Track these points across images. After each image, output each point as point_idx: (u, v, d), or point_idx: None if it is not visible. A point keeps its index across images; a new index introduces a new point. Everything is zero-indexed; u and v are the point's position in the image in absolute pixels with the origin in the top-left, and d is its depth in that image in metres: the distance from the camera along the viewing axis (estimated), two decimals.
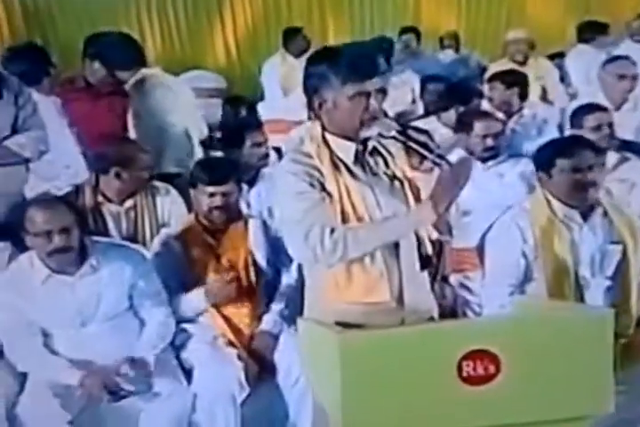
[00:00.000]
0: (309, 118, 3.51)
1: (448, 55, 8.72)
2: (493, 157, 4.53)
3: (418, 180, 2.62)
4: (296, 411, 3.14)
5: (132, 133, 4.43)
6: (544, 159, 3.41)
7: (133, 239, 3.79)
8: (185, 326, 3.46)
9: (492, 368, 2.21)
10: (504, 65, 6.82)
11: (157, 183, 4.01)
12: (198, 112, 4.79)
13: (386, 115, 2.65)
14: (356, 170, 2.59)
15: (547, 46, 8.04)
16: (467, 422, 2.25)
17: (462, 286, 3.91)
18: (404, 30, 8.43)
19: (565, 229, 3.33)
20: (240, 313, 3.42)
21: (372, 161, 2.63)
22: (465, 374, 2.21)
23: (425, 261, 2.63)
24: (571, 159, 3.31)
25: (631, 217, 3.44)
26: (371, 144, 2.61)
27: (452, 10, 9.71)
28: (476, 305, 3.83)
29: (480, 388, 2.22)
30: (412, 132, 2.52)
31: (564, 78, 7.26)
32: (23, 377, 3.27)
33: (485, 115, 4.68)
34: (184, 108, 4.61)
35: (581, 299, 3.30)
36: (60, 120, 4.37)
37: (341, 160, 2.59)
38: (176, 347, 3.41)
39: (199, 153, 4.55)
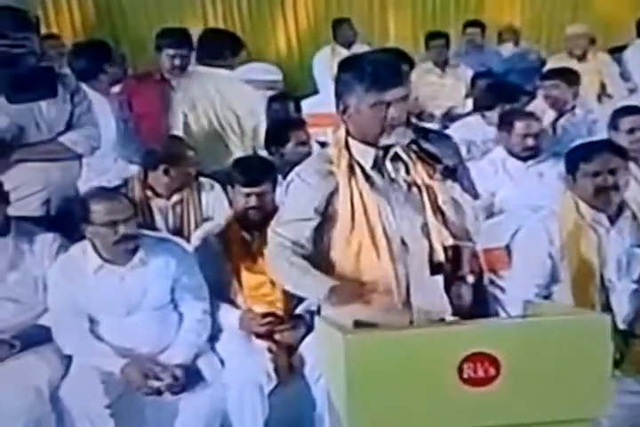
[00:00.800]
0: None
1: (508, 49, 8.68)
2: (534, 156, 4.56)
3: (435, 188, 2.72)
4: (322, 403, 3.26)
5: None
6: (570, 163, 3.49)
7: (179, 233, 3.95)
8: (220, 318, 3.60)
9: (492, 371, 2.31)
10: (562, 59, 6.86)
11: (203, 179, 4.16)
12: (246, 108, 4.92)
13: (408, 122, 2.74)
14: (374, 175, 2.72)
15: (607, 41, 8.01)
16: (467, 423, 2.35)
17: (494, 284, 3.98)
18: (469, 24, 8.39)
19: (592, 231, 3.40)
20: (272, 307, 3.55)
21: (391, 167, 2.75)
22: (466, 375, 2.31)
23: (436, 268, 2.72)
24: (591, 163, 3.38)
25: None
26: (392, 151, 2.72)
27: (515, 3, 9.64)
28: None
29: (480, 389, 2.31)
30: (424, 143, 2.63)
31: (623, 73, 7.21)
32: (69, 361, 3.45)
33: (526, 114, 4.72)
34: (232, 105, 4.76)
35: (606, 301, 3.38)
36: (115, 115, 4.57)
37: (360, 165, 2.71)
38: (211, 338, 3.55)
39: (244, 149, 4.68)
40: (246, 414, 3.30)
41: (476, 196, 3.49)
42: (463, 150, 5.21)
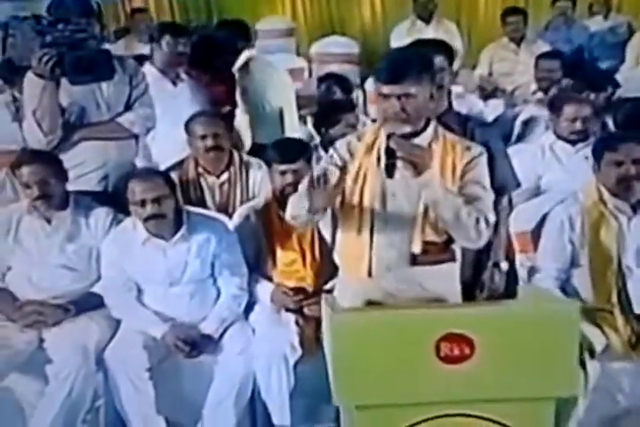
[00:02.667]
0: None
1: (597, 22, 8.59)
2: (583, 139, 4.61)
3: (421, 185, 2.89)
4: None
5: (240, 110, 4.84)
6: (597, 151, 3.58)
7: (225, 211, 4.17)
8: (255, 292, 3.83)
9: (467, 350, 2.51)
10: None
11: (252, 159, 4.36)
12: (293, 90, 5.13)
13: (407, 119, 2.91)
14: (383, 158, 2.90)
15: None
16: (443, 396, 2.56)
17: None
18: None
19: (614, 219, 3.51)
20: (302, 283, 3.77)
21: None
22: (443, 353, 2.52)
23: (414, 259, 2.92)
24: (615, 153, 3.48)
25: None
26: (380, 143, 2.93)
27: None
28: None
29: (456, 366, 2.52)
30: (394, 143, 2.81)
31: None
32: (117, 326, 3.75)
33: (576, 98, 4.76)
34: (280, 87, 4.97)
35: (624, 287, 3.49)
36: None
37: (379, 146, 2.93)
38: (246, 308, 3.80)
39: (293, 130, 4.90)
40: (273, 383, 3.53)
41: (517, 184, 3.65)
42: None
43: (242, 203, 4.13)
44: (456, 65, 7.51)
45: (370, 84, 6.36)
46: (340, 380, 2.55)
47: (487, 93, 7.16)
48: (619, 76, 6.59)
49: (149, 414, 3.57)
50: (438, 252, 2.97)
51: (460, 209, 2.85)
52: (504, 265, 3.60)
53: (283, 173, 3.76)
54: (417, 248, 2.91)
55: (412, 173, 2.82)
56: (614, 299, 3.47)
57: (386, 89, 2.82)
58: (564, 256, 3.57)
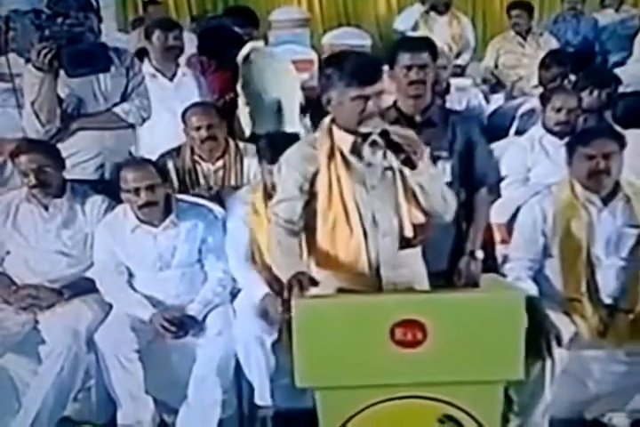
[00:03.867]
0: None
1: (607, 15, 8.64)
2: (570, 132, 4.68)
3: (405, 172, 3.01)
4: None
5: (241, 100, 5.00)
6: (570, 146, 3.69)
7: (219, 196, 4.31)
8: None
9: (419, 335, 2.65)
10: None
11: (248, 146, 4.46)
12: (295, 82, 5.26)
13: (381, 114, 3.03)
14: (352, 159, 3.03)
15: None
16: (398, 379, 2.70)
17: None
18: None
19: (584, 211, 3.62)
20: None
21: (370, 152, 3.04)
22: (397, 338, 2.66)
23: (405, 243, 3.03)
24: (587, 147, 3.59)
25: None
26: (370, 138, 3.02)
27: None
28: None
29: (409, 350, 2.66)
30: (392, 133, 2.92)
31: None
32: (109, 309, 3.91)
33: (563, 89, 4.84)
34: (281, 79, 5.11)
35: (593, 277, 3.61)
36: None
37: (340, 150, 3.03)
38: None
39: (293, 122, 5.03)
40: (252, 364, 3.67)
41: (497, 176, 3.77)
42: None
43: (236, 189, 4.22)
44: (467, 57, 7.68)
45: None
46: (301, 362, 2.69)
47: (492, 86, 7.24)
48: (625, 70, 6.66)
49: (138, 394, 3.73)
50: (422, 233, 3.09)
51: (445, 190, 3.06)
52: (480, 254, 3.73)
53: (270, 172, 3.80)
54: (409, 232, 3.03)
55: (406, 163, 2.92)
56: (583, 288, 3.58)
57: (367, 90, 2.91)
58: (536, 247, 3.69)
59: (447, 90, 5.79)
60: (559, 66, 5.82)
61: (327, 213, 3.02)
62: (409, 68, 3.59)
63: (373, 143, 3.02)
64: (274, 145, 3.70)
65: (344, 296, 2.87)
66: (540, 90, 5.77)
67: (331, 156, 3.02)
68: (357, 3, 9.97)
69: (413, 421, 2.76)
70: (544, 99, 4.77)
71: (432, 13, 8.02)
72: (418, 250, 3.16)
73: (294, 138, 3.77)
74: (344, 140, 3.03)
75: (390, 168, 3.03)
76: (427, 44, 3.69)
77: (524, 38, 7.37)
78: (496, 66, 7.41)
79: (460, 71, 7.60)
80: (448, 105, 5.57)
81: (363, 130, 2.98)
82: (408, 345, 2.65)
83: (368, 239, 3.01)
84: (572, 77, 5.55)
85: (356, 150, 3.03)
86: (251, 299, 3.77)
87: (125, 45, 6.42)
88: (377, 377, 2.70)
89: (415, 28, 7.97)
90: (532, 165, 4.65)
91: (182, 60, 5.22)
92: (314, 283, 2.82)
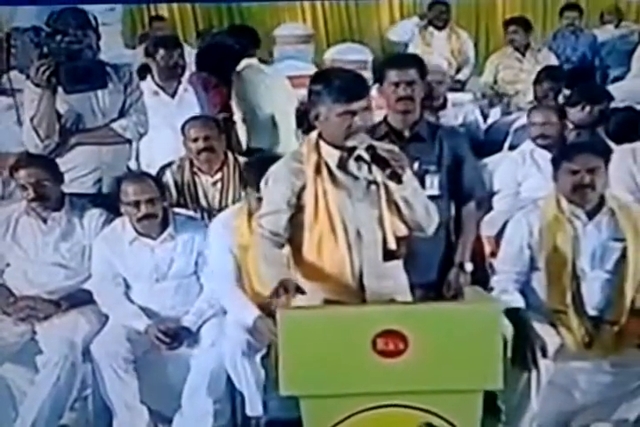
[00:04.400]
0: None
1: (607, 31, 8.73)
2: (553, 145, 4.68)
3: (390, 186, 3.09)
4: None
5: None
6: (555, 160, 3.77)
7: (219, 208, 4.37)
8: None
9: (401, 345, 2.72)
10: None
11: (245, 159, 4.52)
12: (291, 98, 5.37)
13: (371, 129, 3.12)
14: (338, 173, 3.12)
15: None
16: (380, 387, 2.78)
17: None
18: (567, 7, 8.45)
19: (569, 225, 3.69)
20: None
21: (355, 166, 3.13)
22: (379, 348, 2.73)
23: (389, 255, 3.11)
24: (571, 162, 3.66)
25: (637, 217, 3.73)
26: (356, 152, 3.11)
27: None
28: None
29: (391, 360, 2.74)
30: (378, 148, 3.01)
31: None
32: (106, 320, 3.99)
33: (543, 105, 4.91)
34: (275, 95, 5.22)
35: (578, 290, 3.67)
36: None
37: (326, 164, 3.11)
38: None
39: (289, 137, 5.13)
40: (241, 376, 3.73)
41: (484, 190, 3.85)
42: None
43: (234, 202, 4.30)
44: (466, 72, 7.77)
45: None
46: (285, 371, 2.77)
47: (491, 101, 7.32)
48: (622, 85, 6.73)
49: (133, 404, 3.81)
50: (403, 245, 3.18)
51: (427, 203, 3.15)
52: (468, 266, 3.80)
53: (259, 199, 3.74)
54: (392, 244, 3.11)
55: (392, 177, 3.00)
56: (568, 300, 3.64)
57: (354, 106, 3.00)
58: (522, 260, 3.75)
59: (444, 105, 5.87)
60: (552, 81, 5.89)
61: (313, 226, 3.10)
62: (397, 84, 3.68)
63: (359, 158, 3.11)
64: (260, 171, 3.57)
65: (328, 307, 2.95)
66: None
67: (317, 170, 3.10)
68: (361, 18, 10.09)
69: None
70: (528, 114, 4.83)
71: (430, 28, 8.14)
72: (400, 262, 3.23)
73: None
74: (331, 155, 3.11)
75: (375, 182, 3.11)
76: (414, 61, 3.79)
77: (523, 54, 7.43)
78: (495, 81, 7.47)
79: (460, 86, 7.71)
80: (444, 120, 5.66)
81: (349, 144, 3.06)
82: (389, 355, 2.73)
83: (352, 251, 3.08)
84: (566, 92, 5.61)
85: (342, 165, 3.11)
86: (240, 321, 3.80)
87: (132, 61, 6.59)
88: (359, 386, 2.77)
89: (412, 42, 8.09)
90: (522, 179, 4.71)
91: (184, 76, 5.29)
92: (300, 291, 2.89)
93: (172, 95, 5.17)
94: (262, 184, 3.21)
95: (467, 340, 2.72)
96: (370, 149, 3.02)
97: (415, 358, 2.73)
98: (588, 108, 4.94)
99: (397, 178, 2.99)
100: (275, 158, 3.36)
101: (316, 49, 9.36)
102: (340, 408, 2.81)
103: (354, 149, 3.08)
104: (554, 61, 7.37)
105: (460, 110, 6.05)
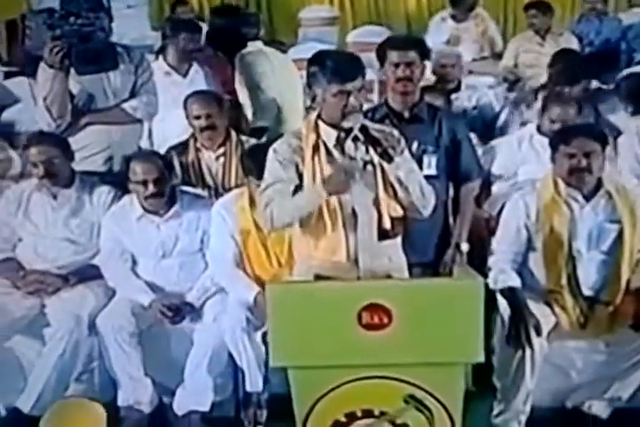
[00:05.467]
0: None
1: (633, 15, 8.66)
2: None
3: (385, 166, 3.16)
4: None
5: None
6: (552, 144, 3.80)
7: (223, 184, 4.47)
8: None
9: (385, 319, 2.80)
10: None
11: (249, 139, 4.63)
12: (294, 79, 5.44)
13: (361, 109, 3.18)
14: (335, 153, 3.18)
15: None
16: (365, 360, 2.86)
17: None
18: None
19: (566, 207, 3.73)
20: None
21: (352, 146, 3.20)
22: (364, 321, 2.81)
23: (383, 234, 3.18)
24: (568, 146, 3.69)
25: (635, 199, 3.76)
26: (353, 133, 3.17)
27: None
28: None
29: (376, 333, 2.82)
30: (370, 128, 3.07)
31: None
32: (113, 295, 4.10)
33: (564, 100, 4.83)
34: (277, 77, 5.31)
35: (574, 271, 3.72)
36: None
37: (324, 144, 3.18)
38: None
39: (293, 116, 5.20)
40: (240, 352, 3.83)
41: (481, 171, 3.91)
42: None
43: (237, 177, 4.38)
44: (487, 55, 7.76)
45: None
46: (274, 343, 2.86)
47: (510, 85, 7.32)
48: None
49: (137, 376, 3.93)
50: (399, 225, 3.25)
51: (423, 184, 3.20)
52: (465, 246, 3.86)
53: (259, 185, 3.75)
54: (387, 224, 3.18)
55: (383, 157, 3.07)
56: (564, 281, 3.69)
57: (348, 86, 3.07)
58: (519, 241, 3.80)
59: (458, 88, 5.91)
60: (567, 64, 5.85)
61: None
62: (397, 65, 3.73)
63: (356, 138, 3.17)
64: (260, 158, 3.58)
65: (316, 282, 3.02)
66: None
67: (316, 149, 3.17)
68: (388, 1, 10.05)
69: (380, 400, 2.93)
70: (543, 106, 4.76)
71: (448, 20, 8.12)
72: (397, 241, 3.30)
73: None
74: (328, 135, 3.18)
75: (371, 162, 3.18)
76: (415, 43, 3.84)
77: (543, 38, 7.42)
78: (516, 65, 7.47)
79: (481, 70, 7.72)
80: (457, 103, 5.69)
81: (345, 125, 3.13)
82: (374, 328, 2.81)
83: (347, 230, 3.15)
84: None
85: (339, 144, 3.18)
86: (241, 299, 3.87)
87: (155, 42, 6.71)
88: (345, 358, 2.86)
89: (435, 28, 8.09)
90: (520, 164, 4.69)
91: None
92: None
93: (184, 75, 5.24)
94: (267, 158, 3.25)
95: (449, 314, 2.79)
96: (362, 129, 3.08)
97: (399, 331, 2.80)
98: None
99: (389, 157, 3.05)
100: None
101: (340, 31, 9.36)
102: (327, 380, 2.90)
103: (351, 129, 3.14)
104: (575, 45, 7.32)
105: (474, 93, 6.07)
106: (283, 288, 2.90)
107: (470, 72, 7.43)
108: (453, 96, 5.78)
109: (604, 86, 5.93)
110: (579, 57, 6.25)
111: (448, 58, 5.94)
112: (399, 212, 3.21)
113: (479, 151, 4.83)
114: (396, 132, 3.17)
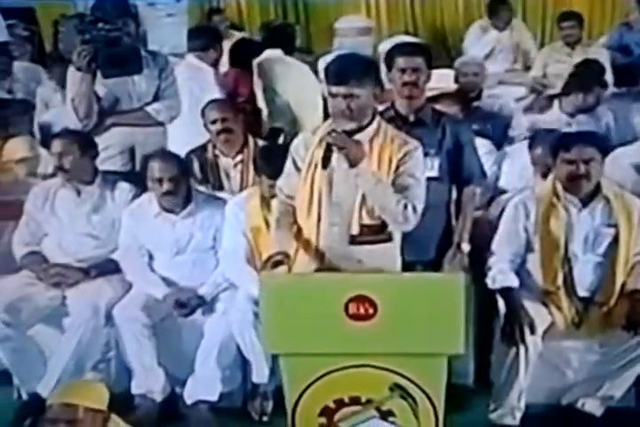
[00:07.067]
0: None
1: None
2: None
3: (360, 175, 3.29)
4: None
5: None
6: (553, 150, 3.92)
7: (240, 189, 4.64)
8: None
9: (370, 310, 2.95)
10: None
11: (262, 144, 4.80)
12: (311, 87, 5.64)
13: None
14: (333, 149, 3.32)
15: None
16: (351, 348, 3.02)
17: None
18: None
19: (564, 211, 3.85)
20: None
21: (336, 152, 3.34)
22: (351, 312, 2.97)
23: (352, 239, 3.32)
24: (568, 152, 3.80)
25: (632, 205, 3.87)
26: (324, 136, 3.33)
27: None
28: None
29: (362, 323, 2.97)
30: (336, 133, 3.24)
31: None
32: (129, 289, 4.29)
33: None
34: (294, 83, 5.53)
35: (569, 271, 3.84)
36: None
37: (327, 143, 3.33)
38: None
39: (311, 121, 5.39)
40: (247, 345, 3.99)
41: (483, 176, 4.04)
42: None
43: (254, 183, 4.48)
44: (519, 66, 7.85)
45: None
46: (266, 332, 3.03)
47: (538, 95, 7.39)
48: None
49: (150, 365, 4.12)
50: (373, 233, 3.35)
51: (390, 197, 3.25)
52: (465, 246, 3.98)
53: (271, 186, 3.84)
54: (355, 230, 3.32)
55: (348, 165, 3.23)
56: (560, 282, 3.81)
57: (333, 89, 3.25)
58: (518, 242, 3.92)
59: (478, 96, 6.03)
60: (586, 75, 5.93)
61: (301, 193, 3.36)
62: (403, 70, 3.88)
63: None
64: (272, 159, 3.84)
65: (306, 274, 3.18)
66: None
67: (320, 141, 3.33)
68: (426, 12, 10.17)
69: (366, 388, 3.08)
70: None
71: (490, 28, 8.21)
72: (373, 248, 3.36)
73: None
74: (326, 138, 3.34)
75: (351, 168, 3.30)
76: (422, 50, 3.99)
77: (573, 48, 7.50)
78: (544, 75, 7.56)
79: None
80: (477, 111, 5.81)
81: (334, 127, 3.29)
82: (360, 318, 2.96)
83: (320, 226, 3.31)
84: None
85: (329, 149, 3.33)
86: (249, 293, 4.01)
87: None
88: (333, 346, 3.02)
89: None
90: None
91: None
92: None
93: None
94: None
95: (431, 307, 2.94)
96: (330, 133, 3.24)
97: (383, 322, 2.95)
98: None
99: (350, 163, 3.20)
100: (286, 148, 3.58)
101: (376, 41, 9.50)
102: (316, 367, 3.07)
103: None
104: (603, 57, 7.36)
105: (496, 102, 6.18)
106: (275, 279, 3.05)
107: (501, 82, 7.57)
108: (474, 104, 5.87)
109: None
110: (597, 66, 6.27)
111: (470, 67, 6.07)
112: (367, 220, 3.32)
113: (492, 157, 4.99)
114: (355, 143, 3.26)
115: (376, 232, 3.33)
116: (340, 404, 3.10)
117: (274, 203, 3.62)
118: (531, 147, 4.56)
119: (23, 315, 4.08)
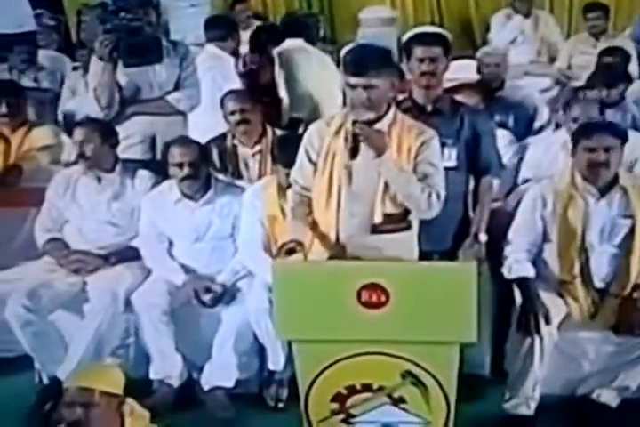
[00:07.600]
0: None
1: None
2: None
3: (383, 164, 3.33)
4: None
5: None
6: (575, 137, 3.92)
7: (258, 178, 4.66)
8: None
9: (383, 298, 2.98)
10: None
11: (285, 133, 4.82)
12: (332, 78, 5.65)
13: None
14: (351, 140, 3.35)
15: None
16: (363, 335, 3.05)
17: None
18: None
19: (582, 200, 3.85)
20: None
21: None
22: (363, 299, 3.00)
23: (374, 228, 3.36)
24: (589, 140, 3.79)
25: None
26: (344, 127, 3.38)
27: None
28: None
29: (374, 311, 3.00)
30: (358, 124, 3.27)
31: None
32: (149, 275, 4.34)
33: (586, 100, 4.92)
34: (313, 73, 5.57)
35: (586, 261, 3.84)
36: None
37: (346, 129, 3.36)
38: None
39: (330, 111, 5.40)
40: (263, 333, 4.03)
41: (501, 166, 4.05)
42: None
43: (272, 172, 4.52)
44: (544, 59, 7.81)
45: None
46: (279, 318, 3.06)
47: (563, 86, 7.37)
48: None
49: (168, 351, 4.17)
50: (395, 222, 3.39)
51: (414, 185, 3.30)
52: (483, 237, 3.98)
53: (288, 175, 3.81)
54: (378, 219, 3.35)
55: (373, 155, 3.25)
56: (576, 272, 3.81)
57: (352, 80, 3.27)
58: (535, 231, 3.93)
59: (501, 86, 6.02)
60: (609, 63, 5.91)
61: (318, 184, 3.38)
62: (421, 60, 3.89)
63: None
64: (289, 148, 3.82)
65: (319, 261, 3.20)
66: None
67: (337, 132, 3.36)
68: (451, 2, 10.14)
69: (378, 375, 3.11)
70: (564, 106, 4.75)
71: (514, 15, 8.18)
72: (393, 237, 3.41)
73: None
74: (350, 122, 3.37)
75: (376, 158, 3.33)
76: (440, 40, 3.99)
77: (598, 39, 7.46)
78: (569, 66, 7.53)
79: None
80: (499, 101, 5.81)
81: (353, 117, 3.31)
82: (372, 306, 2.99)
83: (340, 216, 3.33)
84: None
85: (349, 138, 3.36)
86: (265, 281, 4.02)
87: None
88: (345, 333, 3.05)
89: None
90: (548, 166, 4.71)
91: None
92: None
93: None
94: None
95: (443, 296, 2.96)
96: (354, 123, 3.27)
97: (396, 310, 2.97)
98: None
99: (378, 152, 3.24)
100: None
101: (400, 32, 9.47)
102: (329, 354, 3.10)
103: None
104: (630, 48, 7.32)
105: (519, 93, 6.17)
106: (288, 266, 3.08)
107: (526, 73, 7.54)
108: (497, 94, 5.86)
109: None
110: (622, 54, 6.24)
111: (493, 57, 6.05)
112: (391, 209, 3.35)
113: (512, 148, 4.98)
114: (381, 133, 3.30)
115: (398, 221, 3.36)
116: (351, 390, 3.13)
117: (289, 193, 3.62)
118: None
119: (44, 300, 4.12)
